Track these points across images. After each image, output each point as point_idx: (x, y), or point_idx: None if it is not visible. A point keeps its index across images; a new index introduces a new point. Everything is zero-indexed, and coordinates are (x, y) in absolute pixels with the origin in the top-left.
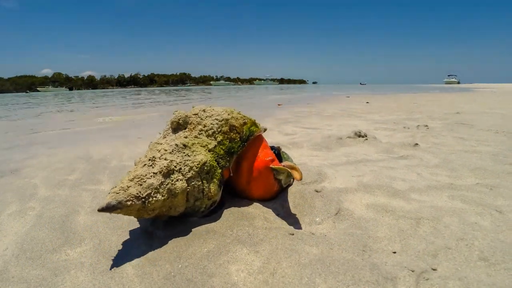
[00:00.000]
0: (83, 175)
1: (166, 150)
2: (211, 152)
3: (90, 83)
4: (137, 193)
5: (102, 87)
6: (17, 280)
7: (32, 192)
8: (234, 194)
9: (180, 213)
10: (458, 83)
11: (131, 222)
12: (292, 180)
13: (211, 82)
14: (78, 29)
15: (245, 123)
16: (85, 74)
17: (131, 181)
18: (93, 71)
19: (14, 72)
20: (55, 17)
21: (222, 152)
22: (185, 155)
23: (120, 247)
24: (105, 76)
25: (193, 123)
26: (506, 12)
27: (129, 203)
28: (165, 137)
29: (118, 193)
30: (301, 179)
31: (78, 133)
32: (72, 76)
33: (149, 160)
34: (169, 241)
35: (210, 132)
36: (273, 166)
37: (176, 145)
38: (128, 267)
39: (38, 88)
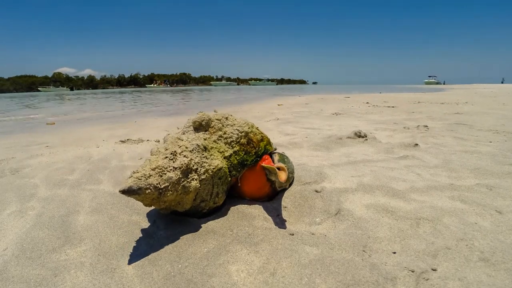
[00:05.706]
0: (83, 175)
1: (187, 148)
2: (226, 160)
3: (90, 83)
4: (157, 184)
5: (102, 87)
6: (17, 280)
7: (32, 192)
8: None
9: (185, 210)
10: (438, 83)
11: (131, 222)
12: (287, 184)
13: (211, 82)
14: (78, 29)
15: (262, 140)
16: (85, 73)
17: (152, 170)
18: (93, 70)
19: (17, 72)
20: (55, 16)
21: (235, 161)
22: (204, 157)
23: (120, 247)
24: (105, 76)
25: (215, 128)
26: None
27: (147, 191)
28: (184, 133)
29: (140, 179)
30: (285, 180)
31: None
32: (72, 76)
33: (171, 154)
34: (169, 241)
35: (229, 140)
36: (264, 165)
37: (197, 145)
38: (128, 267)
39: (39, 88)
